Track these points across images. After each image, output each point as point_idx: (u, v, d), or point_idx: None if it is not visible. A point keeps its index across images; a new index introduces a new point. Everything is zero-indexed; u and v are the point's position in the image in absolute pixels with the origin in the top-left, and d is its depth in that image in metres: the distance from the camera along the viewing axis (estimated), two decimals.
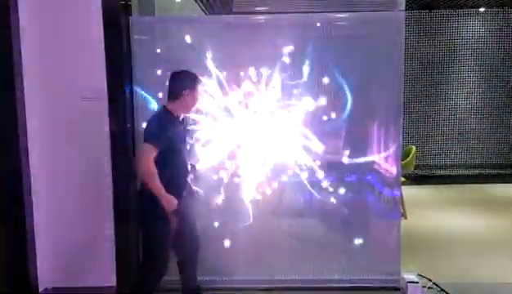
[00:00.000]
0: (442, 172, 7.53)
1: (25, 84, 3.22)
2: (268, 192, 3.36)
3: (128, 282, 3.21)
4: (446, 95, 7.53)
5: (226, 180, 3.35)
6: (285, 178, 3.37)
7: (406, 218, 5.17)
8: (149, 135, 2.69)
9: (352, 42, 3.34)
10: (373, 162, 3.39)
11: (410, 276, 3.25)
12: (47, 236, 3.36)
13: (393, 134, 3.33)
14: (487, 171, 7.42)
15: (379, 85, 3.34)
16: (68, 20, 3.26)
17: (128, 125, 3.28)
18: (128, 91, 3.28)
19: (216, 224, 3.38)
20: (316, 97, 3.30)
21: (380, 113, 3.38)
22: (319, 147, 3.34)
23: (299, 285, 3.42)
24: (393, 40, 3.26)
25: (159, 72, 3.27)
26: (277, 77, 3.28)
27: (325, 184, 3.37)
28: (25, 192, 3.24)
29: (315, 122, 3.33)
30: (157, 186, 2.61)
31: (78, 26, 3.26)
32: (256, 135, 3.33)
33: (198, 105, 3.09)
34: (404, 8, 3.47)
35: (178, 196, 2.73)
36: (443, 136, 7.59)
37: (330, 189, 3.37)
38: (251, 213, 3.37)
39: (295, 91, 3.30)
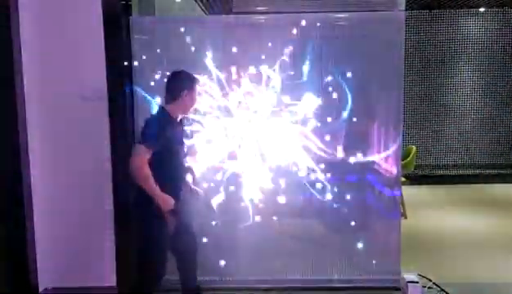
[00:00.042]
0: (442, 172, 7.53)
1: (25, 84, 3.22)
2: (268, 192, 3.36)
3: (128, 282, 3.20)
4: (447, 95, 7.53)
5: (226, 180, 3.35)
6: (284, 178, 3.37)
7: (406, 218, 5.17)
8: (144, 137, 2.67)
9: (352, 42, 3.34)
10: (373, 162, 3.39)
11: (410, 276, 3.25)
12: (47, 236, 3.35)
13: (393, 134, 3.33)
14: (487, 171, 7.42)
15: (379, 85, 3.34)
16: (68, 20, 3.26)
17: (128, 125, 3.28)
18: (128, 91, 3.28)
19: (216, 224, 3.38)
20: (316, 97, 3.30)
21: (380, 113, 3.38)
22: (319, 147, 3.34)
23: (299, 285, 3.43)
24: (393, 40, 3.26)
25: (159, 72, 3.27)
26: (277, 77, 3.28)
27: (325, 184, 3.37)
28: (25, 192, 3.24)
29: (315, 121, 3.33)
30: (151, 186, 2.59)
31: (78, 26, 3.26)
32: (256, 135, 3.33)
33: (197, 105, 3.09)
34: (404, 8, 3.47)
35: (175, 196, 2.73)
36: (443, 136, 7.59)
37: (330, 189, 3.37)
38: (251, 213, 3.37)
39: (295, 91, 3.30)
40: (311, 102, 3.30)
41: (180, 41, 3.29)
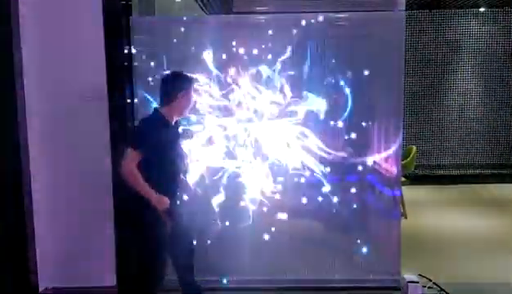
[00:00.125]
0: (442, 172, 7.53)
1: (25, 84, 3.23)
2: (268, 192, 3.36)
3: (127, 282, 3.21)
4: (447, 95, 7.53)
5: (226, 180, 3.35)
6: (284, 178, 3.37)
7: (406, 218, 5.17)
8: (135, 141, 2.65)
9: (352, 41, 3.34)
10: (373, 162, 3.39)
11: (410, 276, 3.26)
12: (47, 236, 3.36)
13: (393, 134, 3.33)
14: (487, 171, 7.41)
15: (379, 85, 3.34)
16: (68, 20, 3.26)
17: (128, 125, 3.28)
18: (128, 91, 3.28)
19: (216, 224, 3.38)
20: (316, 97, 3.30)
21: (380, 113, 3.38)
22: (319, 147, 3.34)
23: (299, 285, 3.43)
24: (393, 40, 3.26)
25: (159, 72, 3.27)
26: (277, 77, 3.28)
27: (325, 183, 3.37)
28: (25, 192, 3.24)
29: (315, 121, 3.33)
30: (143, 188, 2.58)
31: (78, 26, 3.26)
32: (256, 135, 3.33)
33: (197, 105, 3.09)
34: (404, 8, 3.47)
35: (172, 197, 2.72)
36: (443, 136, 7.58)
37: (330, 189, 3.37)
38: (251, 213, 3.37)
39: (295, 91, 3.30)
40: (311, 102, 3.30)
41: (180, 41, 3.29)
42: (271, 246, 3.45)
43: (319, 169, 3.35)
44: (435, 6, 7.20)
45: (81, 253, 3.39)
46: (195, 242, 3.18)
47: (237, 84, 3.29)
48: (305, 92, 3.30)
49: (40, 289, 3.37)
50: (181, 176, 2.96)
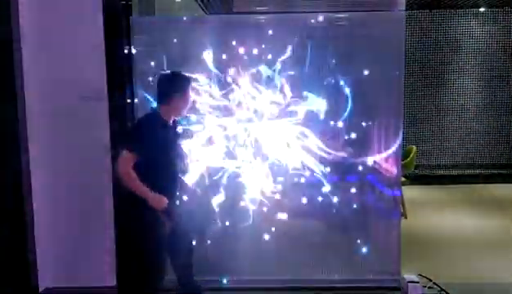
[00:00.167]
0: (442, 172, 7.53)
1: (25, 84, 3.22)
2: (268, 192, 3.36)
3: (127, 282, 3.21)
4: (447, 95, 7.53)
5: (226, 180, 3.35)
6: (284, 178, 3.37)
7: (406, 218, 5.17)
8: (130, 143, 2.64)
9: (352, 42, 3.34)
10: (373, 162, 3.39)
11: (410, 276, 3.26)
12: (47, 236, 3.36)
13: (393, 134, 3.33)
14: (487, 171, 7.41)
15: (379, 85, 3.34)
16: (68, 20, 3.26)
17: (128, 125, 3.28)
18: (128, 91, 3.28)
19: (216, 224, 3.38)
20: (316, 97, 3.30)
21: (380, 113, 3.38)
22: (319, 147, 3.34)
23: (299, 285, 3.42)
24: (393, 40, 3.26)
25: (159, 72, 3.27)
26: (277, 77, 3.28)
27: (325, 183, 3.37)
28: (25, 192, 3.24)
29: (315, 121, 3.33)
30: (138, 188, 2.58)
31: (78, 26, 3.26)
32: (256, 135, 3.33)
33: (197, 105, 3.09)
34: (404, 8, 3.48)
35: (170, 197, 2.72)
36: (443, 136, 7.58)
37: (330, 189, 3.37)
38: (251, 213, 3.37)
39: (295, 91, 3.30)
40: (311, 102, 3.30)
41: (180, 41, 3.29)
42: (271, 246, 3.45)
43: (319, 169, 3.35)
44: (435, 6, 7.20)
45: (81, 253, 3.39)
46: (194, 242, 3.19)
47: (237, 84, 3.29)
48: (305, 92, 3.30)
49: (40, 289, 3.37)
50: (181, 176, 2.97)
